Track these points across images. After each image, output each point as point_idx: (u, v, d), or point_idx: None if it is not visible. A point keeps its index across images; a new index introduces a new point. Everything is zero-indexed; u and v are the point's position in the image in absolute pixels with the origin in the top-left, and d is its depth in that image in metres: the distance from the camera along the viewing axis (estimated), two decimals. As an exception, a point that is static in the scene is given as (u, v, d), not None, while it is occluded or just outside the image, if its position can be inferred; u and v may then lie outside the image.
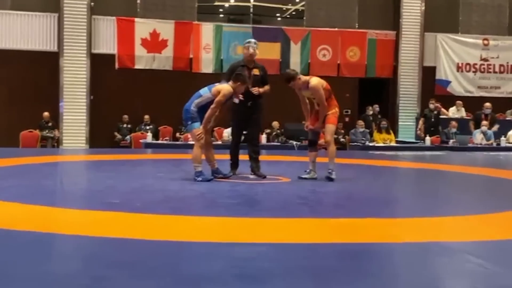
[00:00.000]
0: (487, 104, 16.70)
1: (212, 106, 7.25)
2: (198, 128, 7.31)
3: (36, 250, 3.75)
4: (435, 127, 16.29)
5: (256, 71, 8.01)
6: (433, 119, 16.43)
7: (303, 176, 7.76)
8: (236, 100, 7.65)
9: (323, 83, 7.71)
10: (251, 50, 8.09)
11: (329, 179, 7.50)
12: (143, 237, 4.16)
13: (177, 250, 3.87)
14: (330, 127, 7.74)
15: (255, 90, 7.82)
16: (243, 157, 8.04)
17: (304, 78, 7.75)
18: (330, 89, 7.78)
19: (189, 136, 14.29)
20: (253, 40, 8.39)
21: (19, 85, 16.68)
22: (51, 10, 16.87)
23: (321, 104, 7.66)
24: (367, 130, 15.92)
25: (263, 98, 8.03)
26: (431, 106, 16.57)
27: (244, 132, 8.24)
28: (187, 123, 7.45)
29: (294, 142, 13.91)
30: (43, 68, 16.72)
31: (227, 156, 8.10)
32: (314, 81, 7.64)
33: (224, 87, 7.32)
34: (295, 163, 8.45)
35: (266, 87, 7.98)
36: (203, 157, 7.48)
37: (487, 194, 7.44)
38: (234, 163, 8.10)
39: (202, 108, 7.34)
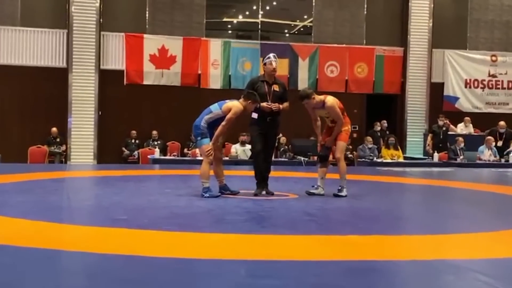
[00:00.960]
0: (502, 123, 16.65)
1: (223, 123, 7.25)
2: (207, 144, 7.32)
3: (43, 267, 3.74)
4: (443, 144, 16.25)
5: (276, 87, 7.88)
6: (441, 136, 16.39)
7: (311, 191, 7.75)
8: (254, 115, 7.62)
9: (338, 102, 7.73)
10: (274, 65, 8.02)
11: (338, 196, 7.48)
12: (150, 254, 4.15)
13: (184, 267, 3.85)
14: (341, 144, 7.75)
15: (275, 106, 7.69)
16: (246, 172, 8.02)
17: (318, 97, 7.74)
18: (343, 107, 7.80)
19: (197, 151, 14.31)
20: (272, 54, 8.28)
21: (28, 100, 16.78)
22: (60, 27, 17.01)
23: (338, 121, 7.67)
24: (375, 146, 15.87)
25: (281, 115, 7.94)
26: (440, 122, 16.53)
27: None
28: (197, 139, 7.46)
29: (302, 158, 13.89)
30: (52, 84, 16.82)
31: (235, 172, 8.09)
32: (330, 100, 7.64)
33: (235, 105, 7.31)
34: (303, 179, 8.43)
35: (286, 104, 7.85)
36: (212, 173, 7.48)
37: (496, 211, 7.39)
38: (263, 180, 7.75)
39: (212, 124, 7.36)
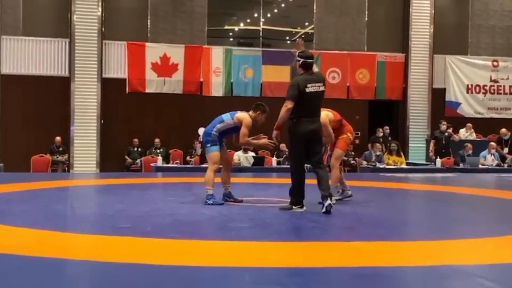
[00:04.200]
0: (503, 131, 16.67)
1: (241, 141, 7.47)
2: (216, 152, 7.37)
3: (48, 276, 3.75)
4: (446, 149, 16.25)
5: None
6: (444, 141, 16.39)
7: (337, 198, 7.74)
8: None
9: (331, 116, 7.67)
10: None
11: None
12: (155, 262, 4.15)
13: (189, 275, 3.86)
14: (338, 152, 7.82)
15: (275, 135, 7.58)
16: (248, 180, 8.01)
17: None
18: (340, 117, 7.78)
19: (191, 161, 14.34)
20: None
21: (31, 110, 16.81)
22: (62, 36, 17.05)
23: (328, 138, 7.64)
24: (383, 153, 15.73)
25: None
26: (442, 127, 16.54)
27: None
28: (206, 146, 7.49)
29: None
30: (54, 93, 16.87)
31: (237, 179, 8.07)
32: (322, 116, 7.26)
33: (245, 117, 7.39)
34: (306, 186, 8.42)
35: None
36: (218, 180, 7.49)
37: (499, 217, 7.38)
38: (302, 195, 6.93)
39: (223, 133, 7.47)
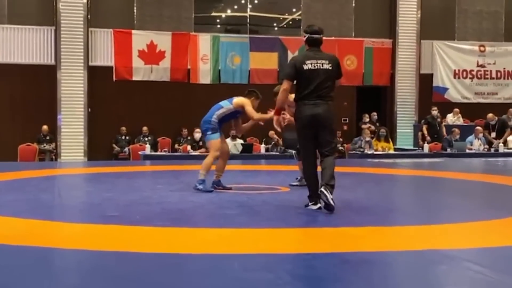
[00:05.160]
0: (490, 116, 16.74)
1: (255, 118, 7.49)
2: (216, 139, 7.43)
3: (37, 265, 3.74)
4: (438, 134, 16.30)
5: None
6: (438, 127, 16.46)
7: (294, 184, 7.96)
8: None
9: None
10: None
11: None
12: (143, 250, 4.16)
13: (177, 262, 3.86)
14: None
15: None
16: (237, 167, 8.01)
17: (291, 96, 7.69)
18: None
19: (188, 147, 14.36)
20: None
21: (17, 99, 16.70)
22: (47, 24, 16.91)
23: None
24: (371, 140, 15.73)
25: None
26: (434, 112, 16.59)
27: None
28: (206, 133, 7.50)
29: (293, 152, 13.87)
30: (40, 81, 16.74)
31: (228, 167, 8.03)
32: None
33: (243, 100, 7.52)
34: (294, 172, 8.45)
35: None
36: (213, 167, 7.51)
37: (487, 201, 7.44)
38: (313, 190, 6.10)
39: (222, 120, 7.53)
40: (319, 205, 5.90)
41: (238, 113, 7.63)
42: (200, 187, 7.27)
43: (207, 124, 7.46)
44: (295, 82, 6.05)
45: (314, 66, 5.96)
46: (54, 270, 3.75)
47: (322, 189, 5.69)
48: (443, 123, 16.93)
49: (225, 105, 7.53)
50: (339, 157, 16.30)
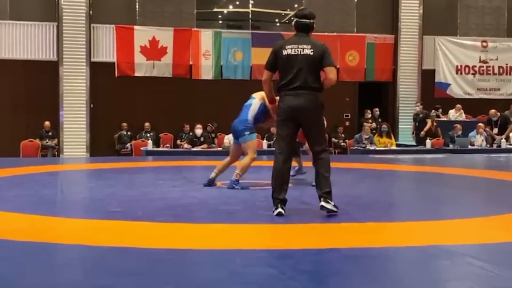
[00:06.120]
0: (492, 112, 16.70)
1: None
2: (255, 140, 7.40)
3: (39, 260, 3.75)
4: (420, 131, 16.18)
5: None
6: (417, 123, 16.38)
7: (291, 174, 7.96)
8: None
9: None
10: None
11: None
12: (145, 245, 4.16)
13: (180, 257, 3.87)
14: None
15: None
16: (238, 163, 7.98)
17: None
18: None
19: (197, 146, 14.35)
20: None
21: (19, 94, 16.71)
22: (50, 20, 16.91)
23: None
24: (373, 136, 15.70)
25: None
26: (417, 109, 16.58)
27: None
28: (244, 134, 7.33)
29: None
30: (42, 77, 16.75)
31: (234, 163, 8.01)
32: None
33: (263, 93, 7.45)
34: (295, 168, 8.45)
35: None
36: (215, 163, 7.52)
37: (488, 197, 7.44)
38: (275, 191, 5.55)
39: (257, 120, 7.42)
40: (279, 210, 5.30)
41: (266, 109, 7.45)
42: (238, 187, 7.24)
43: (244, 123, 7.32)
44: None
45: (294, 52, 5.32)
46: (56, 265, 3.76)
47: (322, 203, 5.25)
48: (430, 118, 16.60)
49: (252, 102, 7.40)
50: (341, 152, 16.35)
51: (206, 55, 17.60)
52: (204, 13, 18.34)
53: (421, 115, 16.39)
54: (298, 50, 5.31)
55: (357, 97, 18.87)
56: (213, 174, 7.62)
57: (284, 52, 5.34)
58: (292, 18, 5.55)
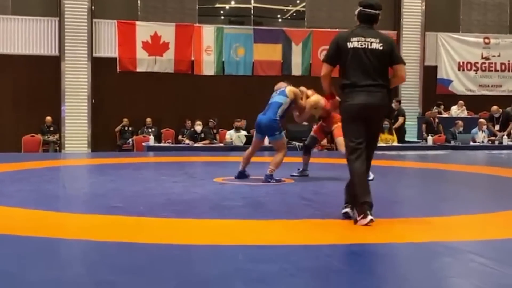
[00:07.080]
0: (494, 108, 16.66)
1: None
2: (284, 138, 7.75)
3: (40, 256, 3.75)
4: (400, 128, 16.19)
5: None
6: (392, 120, 16.33)
7: (295, 174, 8.19)
8: None
9: (323, 104, 7.78)
10: None
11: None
12: (148, 241, 4.16)
13: (182, 253, 3.87)
14: (339, 140, 7.44)
15: None
16: (240, 159, 7.98)
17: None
18: (329, 108, 7.65)
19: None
20: None
21: (21, 89, 16.71)
22: (52, 15, 16.90)
23: (302, 116, 8.00)
24: None
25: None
26: (393, 106, 16.51)
27: None
28: (275, 134, 7.60)
29: (297, 143, 13.88)
30: (44, 72, 16.75)
31: (229, 158, 8.08)
32: (311, 101, 7.85)
33: (295, 90, 7.66)
34: (298, 164, 8.45)
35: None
36: (238, 159, 7.91)
37: (490, 193, 7.43)
38: (358, 196, 5.05)
39: (283, 116, 7.64)
40: (370, 217, 4.68)
41: (292, 105, 7.73)
42: (273, 181, 7.45)
43: (274, 123, 7.52)
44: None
45: (361, 45, 4.87)
46: (58, 260, 3.76)
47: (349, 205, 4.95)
48: (402, 116, 16.48)
49: (283, 100, 7.56)
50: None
51: (208, 51, 17.59)
52: (206, 8, 18.32)
53: (395, 113, 16.35)
54: (365, 44, 4.88)
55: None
56: (241, 167, 7.85)
57: (350, 45, 4.88)
58: (357, 7, 5.04)
